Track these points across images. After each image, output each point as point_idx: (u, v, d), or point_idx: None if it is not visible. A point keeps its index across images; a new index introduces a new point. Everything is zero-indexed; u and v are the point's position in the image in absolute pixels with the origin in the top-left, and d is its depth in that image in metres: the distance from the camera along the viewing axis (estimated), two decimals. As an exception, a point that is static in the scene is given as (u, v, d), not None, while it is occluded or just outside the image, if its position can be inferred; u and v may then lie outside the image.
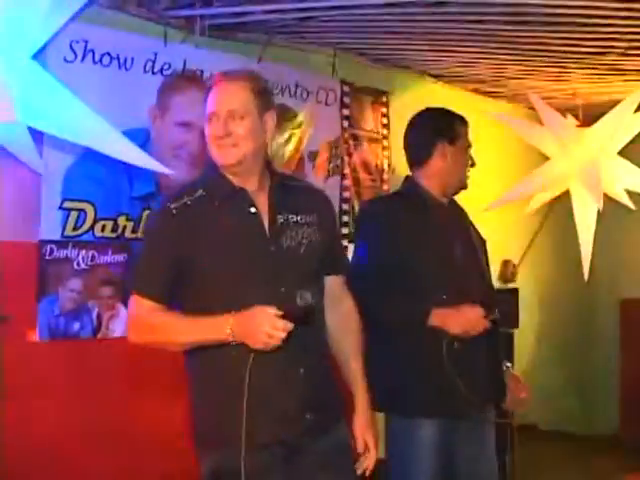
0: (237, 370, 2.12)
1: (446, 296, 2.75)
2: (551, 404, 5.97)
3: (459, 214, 2.99)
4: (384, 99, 4.79)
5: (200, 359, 2.24)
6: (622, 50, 4.13)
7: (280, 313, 2.05)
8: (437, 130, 2.90)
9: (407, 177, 2.98)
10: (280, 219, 2.27)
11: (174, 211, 2.21)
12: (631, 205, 4.76)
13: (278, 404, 2.18)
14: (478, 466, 2.84)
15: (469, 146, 2.95)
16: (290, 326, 2.05)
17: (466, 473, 2.82)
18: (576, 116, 4.81)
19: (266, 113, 2.27)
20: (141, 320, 2.24)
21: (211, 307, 2.14)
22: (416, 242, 2.78)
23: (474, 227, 3.04)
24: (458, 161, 2.90)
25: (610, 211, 4.66)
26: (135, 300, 2.25)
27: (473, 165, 2.97)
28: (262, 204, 2.28)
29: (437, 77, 5.02)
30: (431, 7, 3.55)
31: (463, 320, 2.70)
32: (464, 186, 2.96)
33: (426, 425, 2.73)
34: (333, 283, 2.42)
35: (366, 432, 2.35)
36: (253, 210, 2.25)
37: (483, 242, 3.04)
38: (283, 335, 2.05)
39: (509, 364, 2.99)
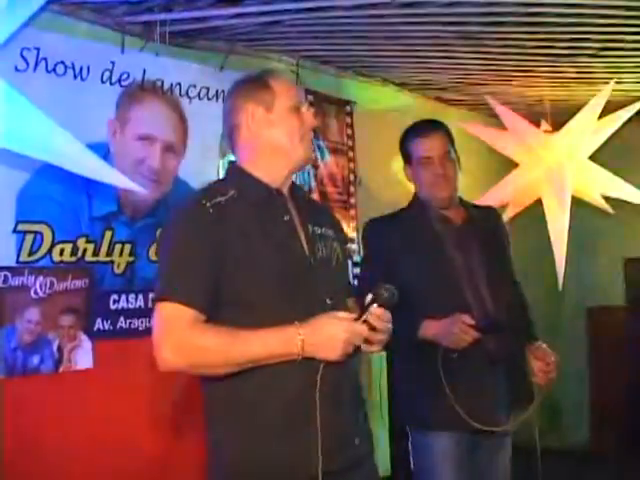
0: (297, 390, 1.90)
1: (443, 310, 2.69)
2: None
3: (472, 223, 2.89)
4: (348, 109, 4.61)
5: (244, 382, 1.91)
6: (594, 51, 4.04)
7: (354, 317, 1.89)
8: (401, 155, 2.96)
9: (414, 194, 2.97)
10: (310, 229, 2.09)
11: (210, 210, 1.94)
12: (609, 209, 4.68)
13: (334, 428, 1.93)
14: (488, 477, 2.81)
15: (426, 159, 2.85)
16: (365, 331, 1.89)
17: None
18: (546, 122, 4.71)
19: None
20: (186, 336, 1.85)
21: (254, 321, 1.89)
22: (412, 259, 2.76)
23: (499, 230, 2.99)
24: (418, 176, 2.89)
25: (573, 218, 4.57)
26: (171, 311, 1.87)
27: (444, 174, 2.85)
28: (292, 212, 2.09)
29: (400, 85, 4.87)
30: (402, 8, 3.39)
31: (448, 331, 2.63)
32: (441, 197, 2.86)
33: (443, 438, 2.70)
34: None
35: None
36: (287, 218, 2.06)
37: (507, 244, 3.00)
38: (360, 342, 1.89)
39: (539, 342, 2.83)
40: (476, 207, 3.02)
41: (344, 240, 2.30)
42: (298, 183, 2.40)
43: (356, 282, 2.99)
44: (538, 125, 4.70)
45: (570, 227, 4.61)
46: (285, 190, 2.10)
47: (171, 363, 1.87)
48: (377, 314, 1.91)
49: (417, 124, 2.95)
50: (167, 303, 1.89)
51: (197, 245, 1.91)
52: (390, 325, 1.94)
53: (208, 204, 1.95)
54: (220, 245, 1.91)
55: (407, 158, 2.93)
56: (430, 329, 2.66)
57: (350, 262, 4.32)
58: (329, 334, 1.86)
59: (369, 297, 1.92)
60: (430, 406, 2.69)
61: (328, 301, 2.00)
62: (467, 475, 2.70)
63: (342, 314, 1.89)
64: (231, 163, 2.18)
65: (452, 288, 2.74)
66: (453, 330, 2.61)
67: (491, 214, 3.04)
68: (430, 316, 2.68)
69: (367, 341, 1.93)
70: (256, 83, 2.10)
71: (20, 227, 3.03)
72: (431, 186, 2.84)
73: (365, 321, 1.89)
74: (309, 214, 2.13)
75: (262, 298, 1.93)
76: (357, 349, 1.94)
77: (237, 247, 1.92)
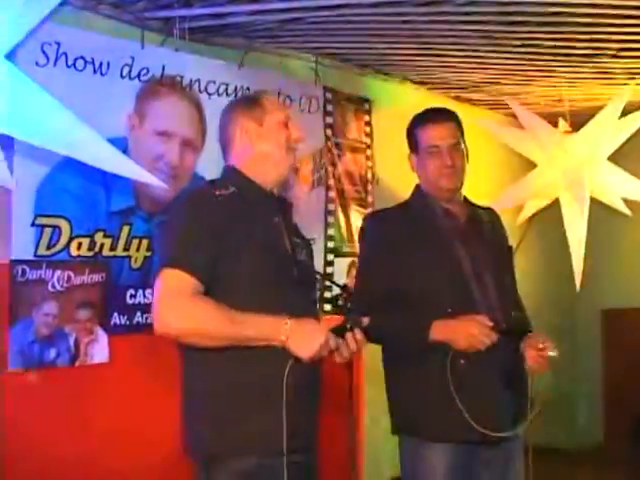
0: (273, 376, 2.04)
1: (451, 309, 2.56)
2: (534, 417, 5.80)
3: (475, 220, 2.76)
4: (367, 107, 4.60)
5: (226, 362, 2.08)
6: (613, 52, 4.01)
7: (332, 328, 2.07)
8: (408, 142, 2.81)
9: (416, 185, 2.82)
10: (292, 235, 2.29)
11: (219, 198, 2.13)
12: (627, 211, 4.65)
13: (301, 410, 2.12)
14: None
15: (434, 148, 2.68)
16: (335, 345, 2.07)
17: None
18: (565, 122, 4.69)
19: None
20: (188, 303, 1.99)
21: (239, 307, 2.03)
22: (416, 255, 2.62)
23: (499, 233, 2.86)
24: (424, 166, 2.72)
25: (591, 220, 4.54)
26: (177, 277, 2.00)
27: (452, 165, 2.68)
28: (279, 216, 2.28)
29: (419, 84, 4.85)
30: (421, 6, 3.38)
31: (466, 333, 2.49)
32: (446, 188, 2.69)
33: (440, 449, 2.56)
34: None
35: None
36: (276, 220, 2.24)
37: (507, 249, 2.86)
38: (326, 353, 2.06)
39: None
40: (478, 206, 2.87)
41: (311, 254, 2.45)
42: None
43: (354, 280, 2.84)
44: (556, 125, 4.68)
45: (588, 228, 4.58)
46: (274, 196, 2.30)
47: (172, 328, 2.00)
48: (357, 337, 2.11)
49: (427, 111, 2.79)
50: (173, 270, 2.02)
51: (205, 225, 2.08)
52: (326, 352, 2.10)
53: (217, 193, 2.14)
54: (223, 230, 2.08)
55: (413, 146, 2.75)
56: (443, 331, 2.51)
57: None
58: (310, 333, 2.03)
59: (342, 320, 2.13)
60: (431, 415, 2.56)
61: (309, 299, 2.25)
62: None
63: (325, 325, 2.09)
64: (227, 166, 2.31)
65: (460, 287, 2.60)
66: (472, 332, 2.48)
67: (492, 215, 2.89)
68: (437, 317, 2.55)
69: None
70: (249, 101, 2.33)
71: (38, 221, 3.05)
72: (437, 177, 2.67)
73: (343, 337, 2.09)
74: (290, 222, 2.34)
75: (252, 286, 2.09)
76: (323, 358, 2.12)
77: (236, 236, 2.09)
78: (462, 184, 2.75)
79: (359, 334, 2.11)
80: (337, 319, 2.16)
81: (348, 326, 2.11)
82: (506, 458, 2.63)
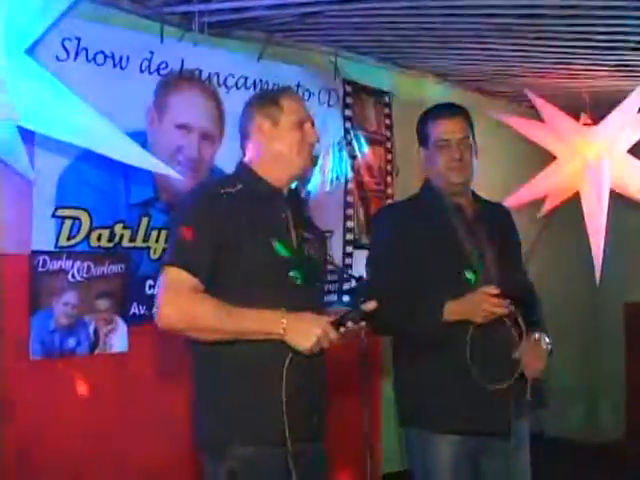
0: (274, 368, 2.09)
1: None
2: (555, 410, 5.80)
3: (483, 215, 2.79)
4: (387, 99, 4.61)
5: (230, 355, 2.13)
6: (633, 44, 3.98)
7: (331, 320, 2.09)
8: (417, 137, 2.84)
9: (425, 179, 2.85)
10: (300, 231, 2.31)
11: (224, 196, 2.17)
12: (646, 204, 4.62)
13: (299, 402, 2.13)
14: None
15: (444, 142, 2.71)
16: (336, 337, 2.08)
17: None
18: (586, 115, 4.66)
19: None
20: (189, 300, 2.06)
21: (246, 305, 2.08)
22: (424, 247, 2.66)
23: (508, 227, 2.89)
24: (434, 159, 2.74)
25: (612, 213, 4.51)
26: (178, 275, 2.08)
27: (461, 159, 2.70)
28: (288, 212, 2.31)
29: (440, 76, 4.86)
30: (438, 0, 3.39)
31: (479, 306, 2.54)
32: (455, 182, 2.71)
33: (447, 441, 2.60)
34: None
35: None
36: (283, 216, 2.28)
37: (516, 243, 2.89)
38: (327, 344, 2.08)
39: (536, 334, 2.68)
40: (486, 201, 2.89)
41: (324, 251, 2.48)
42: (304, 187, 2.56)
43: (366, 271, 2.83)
44: (578, 118, 4.66)
45: (609, 222, 4.55)
46: (284, 192, 2.32)
47: (172, 321, 2.07)
48: (358, 326, 2.14)
49: (438, 106, 2.83)
50: (175, 268, 2.09)
51: (207, 225, 2.13)
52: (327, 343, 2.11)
53: (222, 191, 2.19)
54: (225, 229, 2.12)
55: (423, 140, 2.79)
56: (457, 310, 2.56)
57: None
58: (307, 326, 2.07)
59: (343, 312, 2.14)
60: (441, 407, 2.60)
61: (311, 295, 2.24)
62: (474, 478, 2.63)
63: (325, 317, 2.11)
64: (240, 162, 2.36)
65: (466, 280, 2.63)
66: (483, 307, 2.53)
67: (501, 210, 2.94)
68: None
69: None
70: (268, 99, 2.34)
71: (59, 212, 3.12)
72: (446, 170, 2.70)
73: (339, 326, 2.10)
74: (300, 218, 2.36)
75: (253, 282, 2.14)
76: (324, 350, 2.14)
77: (238, 233, 2.14)
78: (471, 178, 2.77)
79: (331, 330, 2.11)
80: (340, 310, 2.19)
81: (349, 316, 2.11)
82: (513, 448, 2.64)
